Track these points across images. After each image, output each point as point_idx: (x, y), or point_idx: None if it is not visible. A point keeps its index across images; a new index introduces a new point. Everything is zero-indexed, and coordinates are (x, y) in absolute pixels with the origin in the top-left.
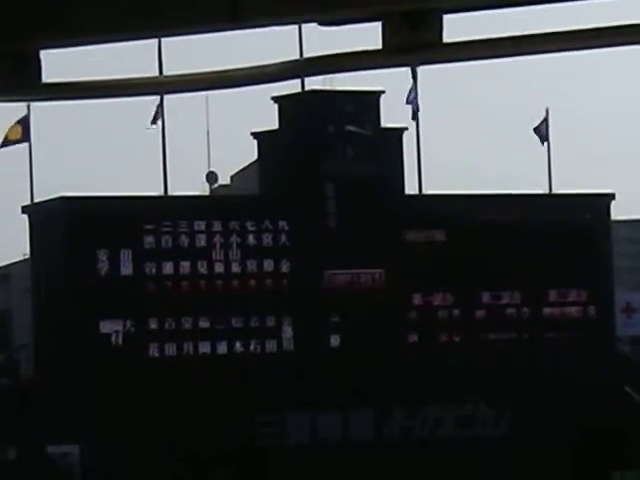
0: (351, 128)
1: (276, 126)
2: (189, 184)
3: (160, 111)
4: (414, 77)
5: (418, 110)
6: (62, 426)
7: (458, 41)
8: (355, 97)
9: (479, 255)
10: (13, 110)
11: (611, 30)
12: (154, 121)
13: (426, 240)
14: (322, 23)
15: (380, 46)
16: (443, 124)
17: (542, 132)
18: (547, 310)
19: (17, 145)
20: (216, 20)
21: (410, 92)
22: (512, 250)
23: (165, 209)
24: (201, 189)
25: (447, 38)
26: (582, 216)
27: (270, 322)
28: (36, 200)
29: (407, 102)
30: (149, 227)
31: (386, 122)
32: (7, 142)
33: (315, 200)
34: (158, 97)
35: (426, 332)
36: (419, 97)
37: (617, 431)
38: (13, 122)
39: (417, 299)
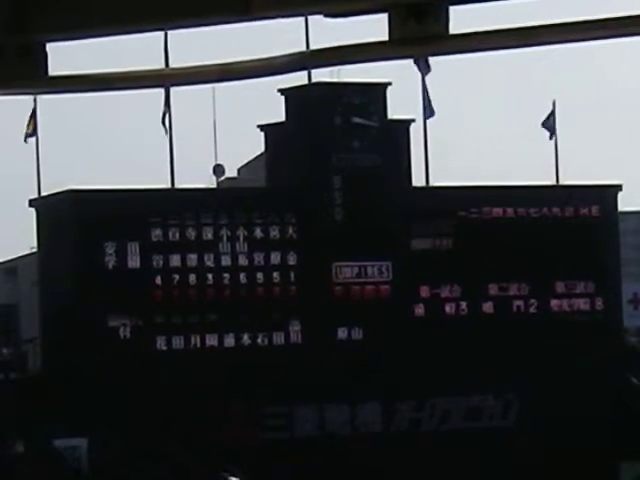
0: (358, 120)
1: (283, 118)
2: (196, 177)
3: (168, 109)
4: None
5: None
6: (70, 419)
7: (464, 32)
8: (362, 89)
9: (486, 247)
10: (21, 103)
11: (618, 21)
12: (163, 120)
13: (433, 232)
14: (328, 15)
15: (386, 38)
16: (450, 116)
17: (550, 125)
18: (554, 302)
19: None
20: (229, 12)
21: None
22: (519, 242)
23: (172, 202)
24: (208, 182)
25: (453, 30)
26: (589, 207)
27: (277, 315)
28: (43, 193)
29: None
30: (156, 220)
31: (393, 114)
32: (30, 134)
33: (322, 192)
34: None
35: (433, 324)
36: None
37: (624, 422)
38: (20, 115)
39: (424, 291)
